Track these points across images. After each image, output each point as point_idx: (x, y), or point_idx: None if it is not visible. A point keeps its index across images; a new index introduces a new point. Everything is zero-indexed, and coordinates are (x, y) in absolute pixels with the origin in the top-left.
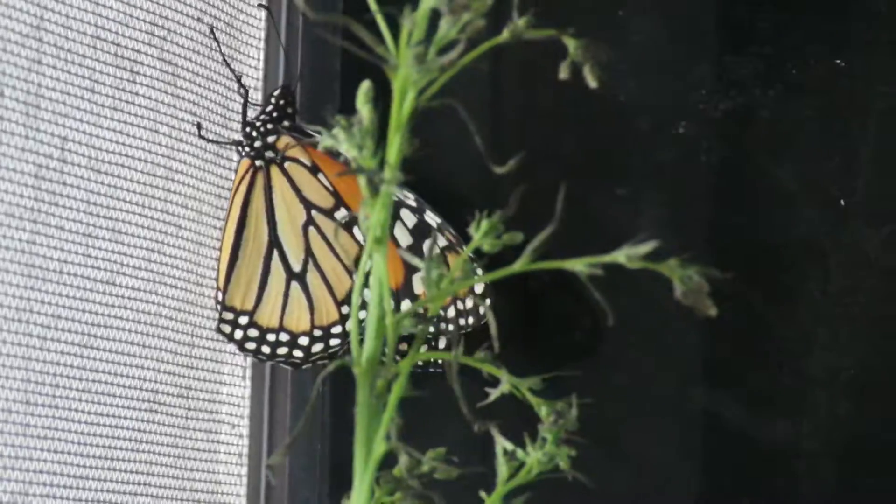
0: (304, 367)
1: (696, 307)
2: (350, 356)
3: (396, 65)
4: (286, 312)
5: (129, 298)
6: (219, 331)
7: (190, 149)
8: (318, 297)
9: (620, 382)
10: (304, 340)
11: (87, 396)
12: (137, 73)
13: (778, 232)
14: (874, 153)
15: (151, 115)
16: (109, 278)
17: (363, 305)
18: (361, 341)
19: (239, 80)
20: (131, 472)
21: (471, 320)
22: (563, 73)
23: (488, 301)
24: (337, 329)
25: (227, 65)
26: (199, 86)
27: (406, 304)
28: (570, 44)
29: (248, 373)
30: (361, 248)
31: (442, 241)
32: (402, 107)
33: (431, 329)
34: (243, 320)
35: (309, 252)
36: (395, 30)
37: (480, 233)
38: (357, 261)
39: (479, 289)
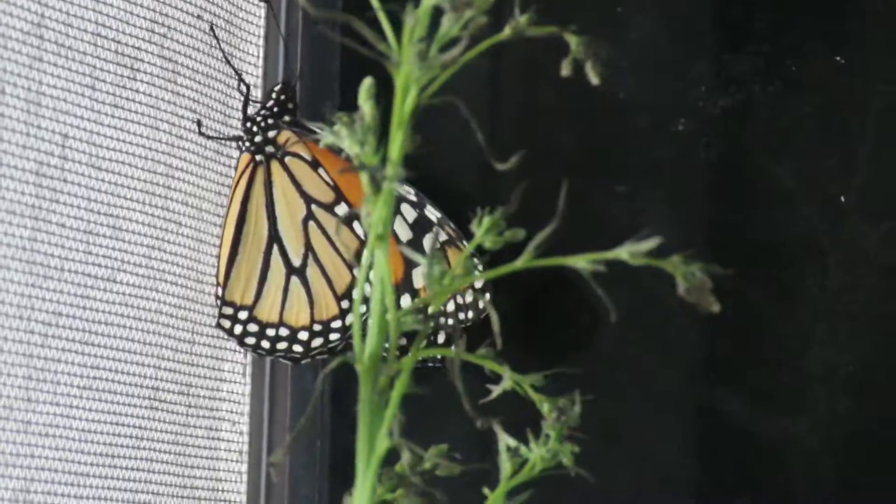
0: (303, 361)
1: (700, 304)
2: (350, 352)
3: (399, 62)
4: (286, 307)
5: (129, 295)
6: (218, 326)
7: (190, 146)
8: (317, 292)
9: (621, 379)
10: (303, 335)
11: (88, 393)
12: (138, 70)
13: (777, 229)
14: (873, 151)
15: (152, 113)
16: (110, 275)
17: (364, 301)
18: (364, 338)
19: (240, 77)
20: (132, 468)
21: (470, 315)
22: (565, 69)
23: (487, 295)
24: (336, 324)
25: (228, 62)
26: (200, 83)
27: (406, 299)
28: (572, 41)
29: (249, 370)
30: (362, 242)
31: (442, 236)
32: (405, 104)
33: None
34: (243, 315)
35: (309, 247)
36: (396, 27)
37: (482, 230)
38: (357, 255)
39: (478, 283)
